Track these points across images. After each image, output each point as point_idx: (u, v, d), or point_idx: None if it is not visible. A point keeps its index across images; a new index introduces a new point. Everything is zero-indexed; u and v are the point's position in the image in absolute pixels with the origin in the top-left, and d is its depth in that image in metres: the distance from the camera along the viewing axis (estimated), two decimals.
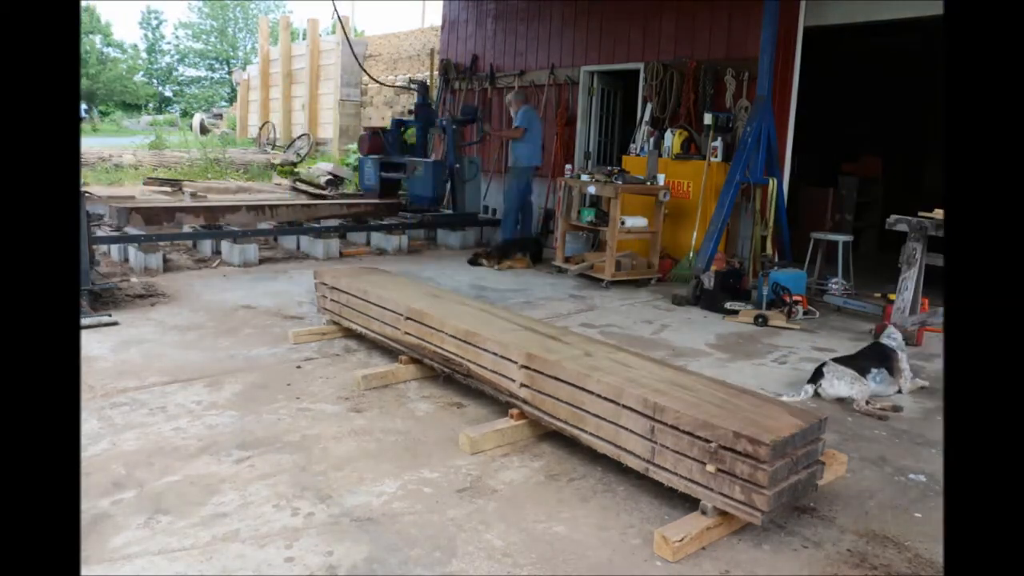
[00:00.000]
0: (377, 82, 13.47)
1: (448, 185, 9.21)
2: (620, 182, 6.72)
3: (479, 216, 9.44)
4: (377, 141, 9.89)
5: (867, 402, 3.76)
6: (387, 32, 17.01)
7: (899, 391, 3.97)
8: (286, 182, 12.87)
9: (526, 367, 3.13)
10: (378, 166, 9.72)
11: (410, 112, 10.25)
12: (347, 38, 10.72)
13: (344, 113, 16.94)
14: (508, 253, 7.58)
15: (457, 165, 9.10)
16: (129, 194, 10.23)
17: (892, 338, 4.13)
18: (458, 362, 3.55)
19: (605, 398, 2.77)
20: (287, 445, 3.08)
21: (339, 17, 11.44)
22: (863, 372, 3.86)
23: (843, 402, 3.80)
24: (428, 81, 11.04)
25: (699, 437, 2.44)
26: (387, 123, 11.92)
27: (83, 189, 5.05)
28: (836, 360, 3.99)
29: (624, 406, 2.69)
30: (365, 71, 10.85)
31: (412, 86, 9.92)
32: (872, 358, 4.00)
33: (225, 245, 7.09)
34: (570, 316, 5.50)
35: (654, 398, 2.60)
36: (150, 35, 50.03)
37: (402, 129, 10.11)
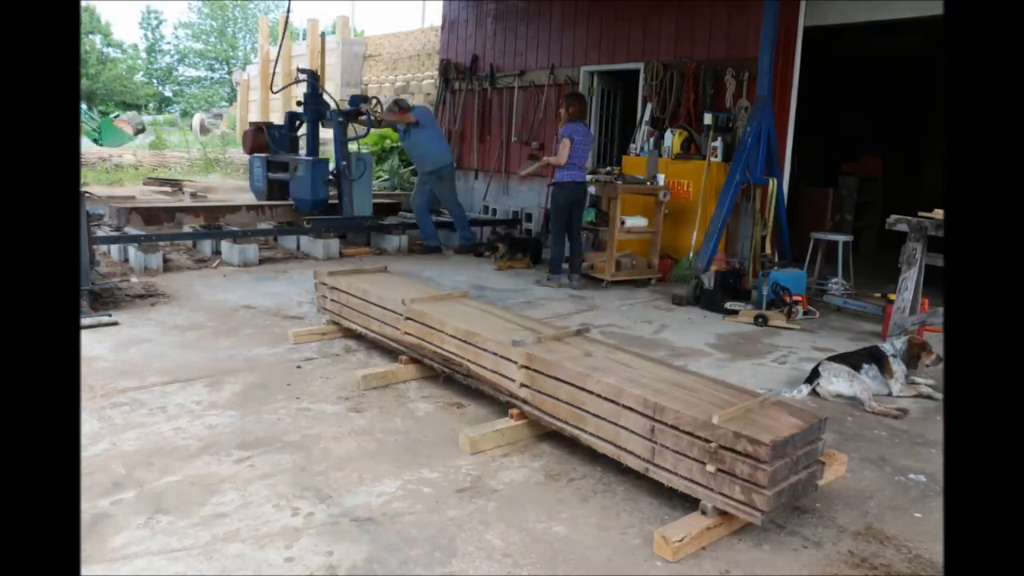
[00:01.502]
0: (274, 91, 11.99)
1: (342, 185, 8.32)
2: (620, 182, 6.72)
3: (479, 216, 9.43)
4: (260, 138, 8.86)
5: (877, 402, 3.78)
6: (387, 32, 17.01)
7: (889, 393, 3.97)
8: None
9: (526, 367, 3.13)
10: (265, 166, 8.75)
11: (298, 103, 8.94)
12: (283, 42, 9.51)
13: None
14: (514, 251, 7.52)
15: (344, 163, 8.07)
16: (129, 194, 10.23)
17: (891, 343, 4.17)
18: (458, 362, 3.55)
19: (605, 398, 2.77)
20: (287, 445, 3.08)
21: (285, 29, 10.53)
22: (856, 368, 3.92)
23: (852, 403, 3.81)
24: (319, 70, 9.54)
25: (699, 437, 2.44)
26: None
27: (83, 189, 5.05)
28: (831, 359, 4.04)
29: (624, 406, 2.69)
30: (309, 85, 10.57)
31: (300, 77, 8.52)
32: (864, 356, 4.07)
33: (225, 245, 7.09)
34: (570, 316, 5.50)
35: (654, 398, 2.60)
36: (150, 35, 50.02)
37: (297, 123, 9.01)
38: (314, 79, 8.61)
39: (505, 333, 3.40)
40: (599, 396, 2.79)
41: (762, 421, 2.43)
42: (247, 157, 9.54)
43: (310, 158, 8.35)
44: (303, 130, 8.93)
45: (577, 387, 2.89)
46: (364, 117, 8.31)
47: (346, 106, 8.62)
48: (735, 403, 2.55)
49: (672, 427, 2.52)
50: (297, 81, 8.65)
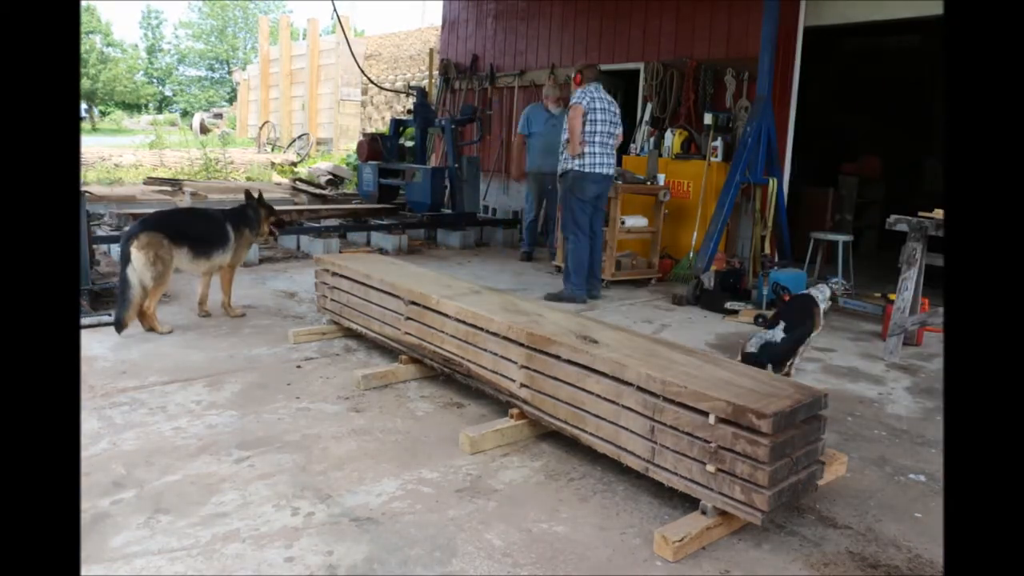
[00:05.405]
0: (377, 86, 13.46)
1: (448, 188, 9.17)
2: (620, 182, 6.72)
3: (479, 216, 9.43)
4: (376, 147, 9.85)
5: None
6: (387, 32, 17.02)
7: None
8: (286, 182, 12.87)
9: (526, 367, 3.13)
10: (376, 172, 9.70)
11: (409, 112, 10.15)
12: (347, 40, 10.66)
13: (344, 113, 16.96)
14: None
15: (456, 165, 9.02)
16: (130, 193, 10.22)
17: (819, 290, 4.39)
18: (458, 362, 3.55)
19: (605, 398, 2.77)
20: (287, 445, 3.08)
21: (339, 18, 11.40)
22: (771, 327, 4.11)
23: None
24: (427, 82, 10.97)
25: (699, 437, 2.44)
26: (387, 122, 11.84)
27: (83, 189, 5.05)
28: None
29: (624, 406, 2.69)
30: (365, 75, 10.83)
31: (410, 91, 9.84)
32: (788, 311, 4.23)
33: None
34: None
35: (653, 398, 2.60)
36: (150, 35, 50.09)
37: (401, 129, 10.05)
38: (422, 93, 9.67)
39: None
40: (599, 396, 2.79)
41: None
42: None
43: (428, 167, 9.17)
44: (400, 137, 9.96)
45: (577, 387, 2.89)
46: (475, 124, 9.36)
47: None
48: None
49: (672, 427, 2.52)
50: (407, 93, 10.11)
